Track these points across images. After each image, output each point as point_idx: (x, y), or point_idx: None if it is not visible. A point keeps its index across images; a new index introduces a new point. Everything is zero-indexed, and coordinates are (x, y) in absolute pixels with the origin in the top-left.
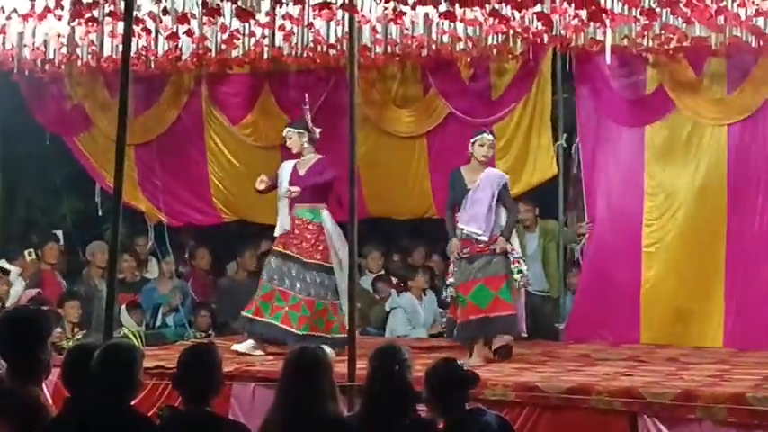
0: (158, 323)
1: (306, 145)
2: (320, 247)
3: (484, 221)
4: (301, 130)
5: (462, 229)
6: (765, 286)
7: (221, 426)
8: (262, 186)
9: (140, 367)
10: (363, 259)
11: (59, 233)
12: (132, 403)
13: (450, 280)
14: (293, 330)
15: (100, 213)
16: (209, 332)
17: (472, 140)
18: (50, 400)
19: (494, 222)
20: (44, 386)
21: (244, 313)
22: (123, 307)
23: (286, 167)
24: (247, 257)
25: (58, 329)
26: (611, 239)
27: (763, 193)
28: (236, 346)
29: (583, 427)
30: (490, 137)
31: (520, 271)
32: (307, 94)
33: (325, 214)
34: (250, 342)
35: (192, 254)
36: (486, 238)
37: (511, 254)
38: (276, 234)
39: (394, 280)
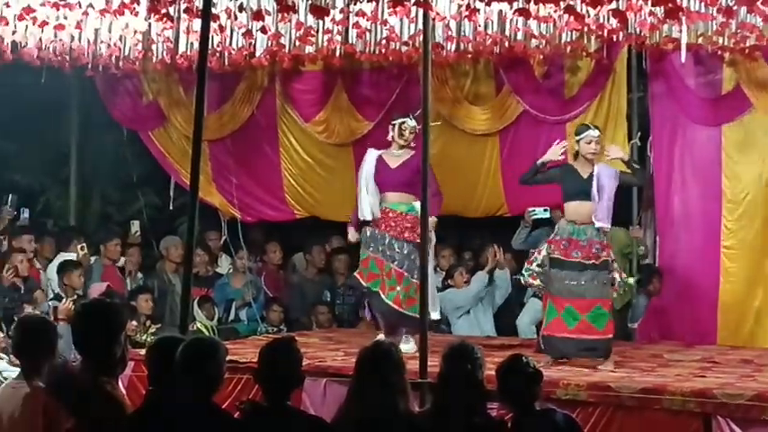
0: (231, 318)
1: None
2: (417, 231)
3: (608, 216)
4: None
5: (594, 220)
6: None
7: (302, 420)
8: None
9: (224, 362)
10: (435, 257)
11: (136, 224)
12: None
13: (535, 270)
14: (384, 299)
15: (172, 208)
16: (281, 327)
17: (577, 138)
18: (125, 394)
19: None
20: (119, 380)
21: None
22: (195, 301)
23: (370, 158)
24: (316, 254)
25: (134, 323)
26: (687, 239)
27: None
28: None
29: (656, 428)
30: (595, 132)
31: (617, 282)
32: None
33: (419, 206)
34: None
35: (263, 249)
36: (608, 228)
37: (612, 265)
38: (367, 217)
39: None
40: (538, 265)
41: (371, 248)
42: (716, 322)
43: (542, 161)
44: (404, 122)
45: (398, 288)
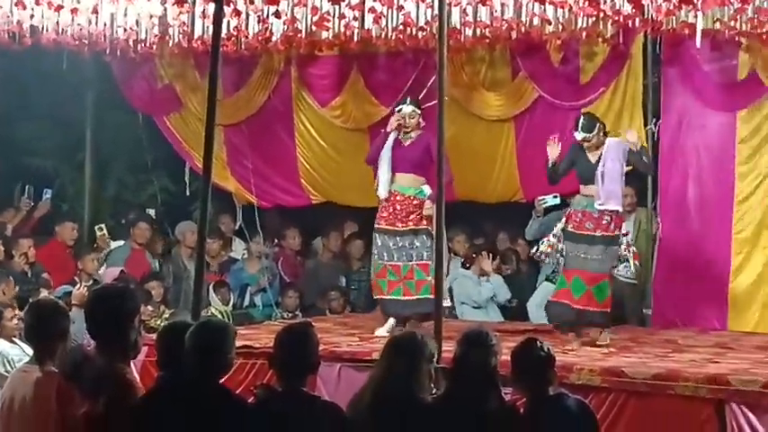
0: (246, 303)
1: (420, 123)
2: (422, 215)
3: (619, 197)
4: (420, 111)
5: (601, 206)
6: None
7: (316, 405)
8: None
9: (232, 345)
10: (449, 242)
11: (152, 212)
12: (221, 382)
13: (552, 240)
14: (414, 297)
15: (188, 193)
16: (297, 313)
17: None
18: (138, 379)
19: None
20: (132, 365)
21: (375, 297)
22: (211, 286)
23: (390, 136)
24: (332, 239)
25: (149, 308)
26: (698, 225)
27: None
28: (378, 331)
29: (669, 414)
30: (579, 135)
31: (626, 260)
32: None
33: (428, 190)
34: (390, 322)
35: (280, 234)
36: (621, 210)
37: (625, 237)
38: (381, 195)
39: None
40: (554, 236)
41: (386, 257)
42: (726, 308)
43: (552, 162)
44: (400, 110)
45: (429, 278)
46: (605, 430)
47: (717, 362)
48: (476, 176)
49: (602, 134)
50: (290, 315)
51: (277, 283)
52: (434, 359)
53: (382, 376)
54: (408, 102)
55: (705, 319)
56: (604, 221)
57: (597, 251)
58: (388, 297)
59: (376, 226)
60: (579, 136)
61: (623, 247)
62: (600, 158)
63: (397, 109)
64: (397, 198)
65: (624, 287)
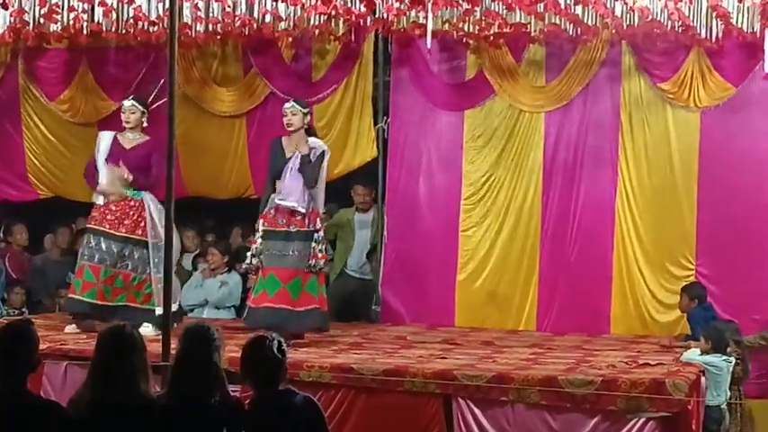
0: None
1: (143, 123)
2: (141, 224)
3: (301, 194)
4: (144, 109)
5: (281, 201)
6: (577, 271)
7: (35, 404)
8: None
9: None
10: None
11: None
12: None
13: (256, 247)
14: (107, 303)
15: None
16: (23, 310)
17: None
18: None
19: (311, 196)
20: None
21: (69, 295)
22: None
23: (105, 137)
24: (60, 235)
25: None
26: (426, 223)
27: (577, 179)
28: (68, 328)
29: (398, 409)
30: (288, 104)
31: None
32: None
33: (146, 192)
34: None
35: (8, 230)
36: (303, 210)
37: (317, 233)
38: (98, 202)
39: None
40: (257, 247)
41: (86, 257)
42: (454, 305)
43: None
44: (122, 104)
45: (128, 290)
46: (335, 427)
47: (444, 357)
48: (207, 172)
49: (307, 125)
50: (15, 312)
51: (3, 279)
52: (145, 348)
53: (99, 373)
54: (131, 98)
55: (433, 316)
56: (297, 216)
57: (292, 247)
58: (78, 297)
59: (87, 225)
60: (288, 104)
61: (313, 244)
62: (292, 155)
63: (121, 104)
64: (111, 198)
65: (354, 284)
